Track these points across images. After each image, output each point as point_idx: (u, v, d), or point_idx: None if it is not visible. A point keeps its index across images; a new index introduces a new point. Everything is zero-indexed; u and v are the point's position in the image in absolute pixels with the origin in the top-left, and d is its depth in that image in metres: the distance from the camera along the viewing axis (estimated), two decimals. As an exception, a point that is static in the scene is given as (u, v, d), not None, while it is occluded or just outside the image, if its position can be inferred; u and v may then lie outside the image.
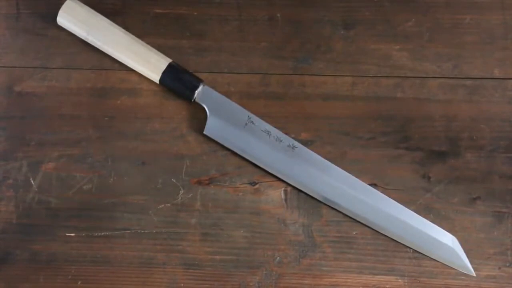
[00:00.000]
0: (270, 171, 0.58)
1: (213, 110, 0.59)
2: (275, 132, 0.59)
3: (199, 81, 0.59)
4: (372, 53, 0.63)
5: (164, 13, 0.64)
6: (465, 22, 0.64)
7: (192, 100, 0.59)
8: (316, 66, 0.63)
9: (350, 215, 0.57)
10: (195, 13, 0.64)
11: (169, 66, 0.59)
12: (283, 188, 0.59)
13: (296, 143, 0.58)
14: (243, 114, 0.59)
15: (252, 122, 0.58)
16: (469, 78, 0.62)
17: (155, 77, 0.59)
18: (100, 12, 0.61)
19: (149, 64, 0.59)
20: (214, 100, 0.59)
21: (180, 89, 0.59)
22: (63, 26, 0.61)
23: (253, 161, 0.58)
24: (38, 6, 0.64)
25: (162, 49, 0.61)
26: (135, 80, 0.62)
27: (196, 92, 0.59)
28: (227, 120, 0.59)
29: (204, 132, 0.59)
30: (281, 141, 0.58)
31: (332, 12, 0.64)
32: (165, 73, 0.59)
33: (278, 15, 0.64)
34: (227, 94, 0.60)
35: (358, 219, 0.57)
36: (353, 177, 0.58)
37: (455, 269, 0.57)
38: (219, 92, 0.60)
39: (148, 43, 0.61)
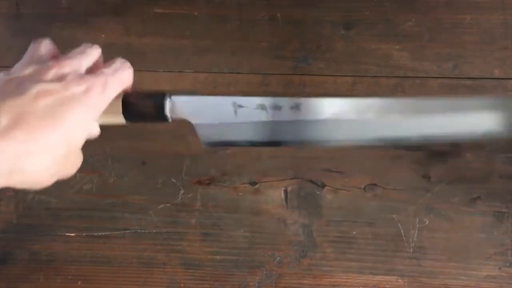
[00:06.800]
0: (287, 145, 0.52)
1: (195, 117, 0.49)
2: (269, 101, 0.48)
3: (162, 95, 0.47)
4: (372, 53, 0.63)
5: (164, 13, 0.64)
6: (465, 22, 0.64)
7: (170, 120, 0.48)
8: (316, 66, 0.63)
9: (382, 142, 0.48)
10: (195, 13, 0.64)
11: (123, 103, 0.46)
12: (283, 188, 0.59)
13: (298, 100, 0.48)
14: (226, 102, 0.49)
15: (239, 106, 0.49)
16: (469, 78, 0.62)
17: (120, 119, 0.47)
18: (100, 12, 0.61)
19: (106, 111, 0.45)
20: (189, 106, 0.49)
21: (149, 116, 0.47)
22: None
23: (267, 146, 0.51)
24: (38, 6, 0.64)
25: (162, 49, 0.61)
26: (135, 80, 0.62)
27: (167, 110, 0.47)
28: (215, 119, 0.49)
29: (203, 146, 0.49)
30: (280, 108, 0.48)
31: (332, 12, 0.64)
32: (124, 111, 0.46)
33: (278, 15, 0.64)
34: (227, 94, 0.60)
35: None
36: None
37: (456, 269, 0.57)
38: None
39: (148, 43, 0.61)
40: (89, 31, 0.64)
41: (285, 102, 0.48)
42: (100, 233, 0.58)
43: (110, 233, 0.58)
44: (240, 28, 0.64)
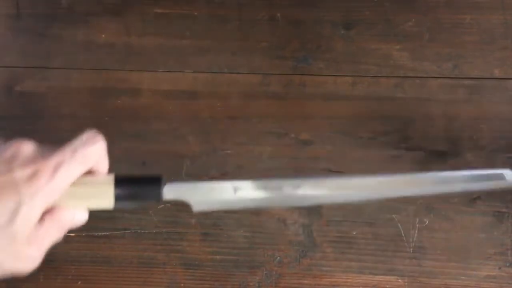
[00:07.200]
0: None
1: (193, 200, 0.45)
2: (271, 184, 0.45)
3: (157, 181, 0.44)
4: (372, 53, 0.63)
5: (164, 13, 0.64)
6: (465, 22, 0.64)
7: (163, 193, 0.44)
8: (316, 66, 0.63)
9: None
10: (195, 13, 0.64)
11: (117, 183, 0.43)
12: (283, 188, 0.59)
13: (300, 181, 0.46)
14: (226, 186, 0.45)
15: (239, 188, 0.46)
16: (469, 78, 0.62)
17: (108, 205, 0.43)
18: (100, 12, 0.61)
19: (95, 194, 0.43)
20: (187, 192, 0.45)
21: (142, 201, 0.44)
22: None
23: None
24: (39, 6, 0.64)
25: (162, 49, 0.61)
26: (135, 80, 0.62)
27: (163, 195, 0.44)
28: (214, 201, 0.46)
29: (194, 211, 0.46)
30: (281, 188, 0.46)
31: (332, 12, 0.64)
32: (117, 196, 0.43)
33: (278, 15, 0.64)
34: (227, 94, 0.61)
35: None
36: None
37: (456, 269, 0.57)
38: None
39: (148, 43, 0.61)
40: (89, 31, 0.64)
41: (287, 183, 0.46)
42: (100, 233, 0.58)
43: (110, 233, 0.58)
44: (240, 28, 0.64)
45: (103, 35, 0.64)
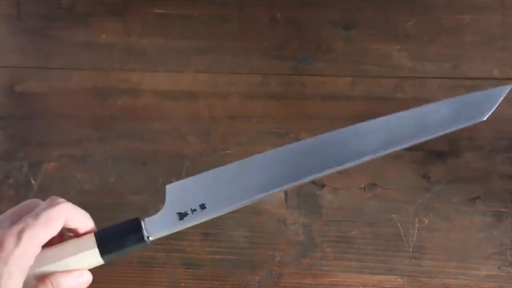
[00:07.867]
0: None
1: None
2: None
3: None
4: (372, 53, 0.63)
5: (164, 13, 0.64)
6: (465, 22, 0.64)
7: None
8: (316, 66, 0.63)
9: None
10: (195, 13, 0.64)
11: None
12: (283, 188, 0.59)
13: None
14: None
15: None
16: (469, 78, 0.62)
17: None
18: (100, 12, 0.61)
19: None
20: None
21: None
22: None
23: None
24: (39, 6, 0.64)
25: (162, 49, 0.61)
26: (135, 80, 0.62)
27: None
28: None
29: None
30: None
31: (332, 12, 0.64)
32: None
33: (278, 15, 0.64)
34: (227, 94, 0.61)
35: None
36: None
37: (455, 268, 0.57)
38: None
39: (148, 43, 0.61)
40: (89, 31, 0.64)
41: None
42: (100, 233, 0.58)
43: (110, 232, 0.58)
44: (240, 28, 0.64)
45: (103, 35, 0.64)
